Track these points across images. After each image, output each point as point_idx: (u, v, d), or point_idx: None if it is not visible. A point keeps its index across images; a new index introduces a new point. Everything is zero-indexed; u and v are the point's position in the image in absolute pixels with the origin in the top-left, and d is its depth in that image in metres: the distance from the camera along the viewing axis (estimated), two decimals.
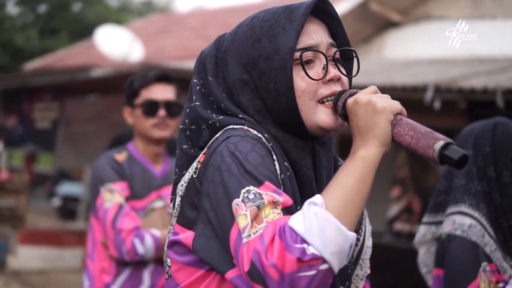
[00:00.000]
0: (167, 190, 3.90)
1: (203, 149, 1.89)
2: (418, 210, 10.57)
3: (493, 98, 7.02)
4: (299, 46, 1.83)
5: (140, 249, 3.56)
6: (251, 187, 1.66)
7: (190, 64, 11.92)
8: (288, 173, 1.82)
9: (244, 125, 1.83)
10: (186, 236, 1.83)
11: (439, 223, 3.00)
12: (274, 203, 1.64)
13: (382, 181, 10.90)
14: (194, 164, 1.86)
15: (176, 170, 1.97)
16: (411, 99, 7.94)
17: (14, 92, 14.16)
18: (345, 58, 1.97)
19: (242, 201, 1.64)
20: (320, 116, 1.84)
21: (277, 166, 1.78)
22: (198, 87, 1.95)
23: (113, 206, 3.64)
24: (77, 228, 14.00)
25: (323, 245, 1.56)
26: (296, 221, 1.58)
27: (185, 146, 1.95)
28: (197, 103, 1.93)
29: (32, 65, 18.77)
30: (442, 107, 7.46)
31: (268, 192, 1.65)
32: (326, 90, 1.84)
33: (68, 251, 12.21)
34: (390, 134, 1.71)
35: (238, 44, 1.91)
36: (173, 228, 1.91)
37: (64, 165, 18.08)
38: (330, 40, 1.90)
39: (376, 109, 1.70)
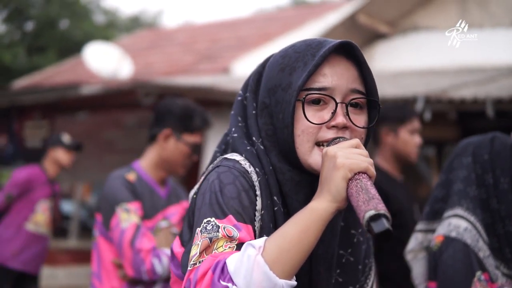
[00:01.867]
0: (171, 210, 3.98)
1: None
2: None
3: (483, 108, 7.05)
4: (315, 85, 1.83)
5: (158, 268, 3.61)
6: (212, 219, 1.73)
7: (179, 79, 11.93)
8: (276, 208, 1.85)
9: (242, 154, 1.90)
10: (180, 251, 1.93)
11: (435, 231, 3.01)
12: (230, 237, 1.69)
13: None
14: (197, 185, 1.94)
15: None
16: None
17: (3, 111, 14.11)
18: (373, 107, 1.93)
19: (201, 230, 1.72)
20: (314, 158, 1.84)
21: (258, 201, 1.82)
22: (239, 98, 2.02)
23: (131, 226, 3.67)
24: (69, 246, 13.94)
25: (247, 287, 1.60)
26: (231, 259, 1.63)
27: (216, 149, 2.06)
28: (232, 112, 2.01)
29: (20, 83, 18.74)
30: (432, 118, 7.49)
31: (227, 226, 1.71)
32: (328, 134, 1.84)
33: (61, 270, 12.16)
34: (344, 192, 1.70)
35: (270, 67, 1.95)
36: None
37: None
38: (352, 86, 1.86)
39: (335, 164, 1.70)
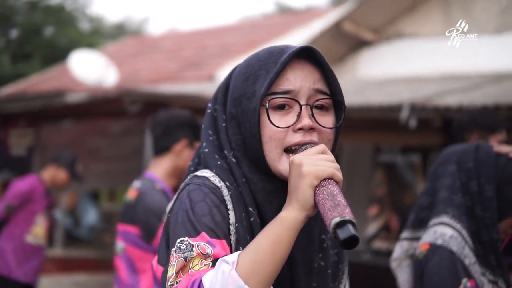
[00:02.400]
0: None
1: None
2: (396, 228, 10.62)
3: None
4: (277, 90, 1.84)
5: None
6: (186, 238, 1.74)
7: (164, 87, 11.92)
8: (252, 219, 1.87)
9: (213, 170, 1.91)
10: (158, 270, 1.95)
11: (421, 238, 3.03)
12: (204, 255, 1.71)
13: (359, 200, 10.94)
14: (171, 203, 1.97)
15: None
16: (386, 118, 8.00)
17: None
18: (338, 108, 1.95)
19: (175, 251, 1.74)
20: (283, 165, 1.85)
21: (231, 215, 1.83)
22: (209, 111, 2.01)
23: None
24: (54, 255, 13.89)
25: None
26: (206, 277, 1.64)
27: (190, 163, 2.07)
28: (203, 126, 2.02)
29: (5, 91, 18.67)
30: (418, 126, 7.51)
31: (201, 244, 1.72)
32: (295, 138, 1.85)
33: (45, 278, 12.11)
34: (312, 199, 1.71)
35: (235, 78, 1.96)
36: None
37: None
38: (315, 86, 1.88)
39: (301, 172, 1.71)
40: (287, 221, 1.71)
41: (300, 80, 1.87)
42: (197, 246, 1.71)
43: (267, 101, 1.84)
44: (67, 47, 23.99)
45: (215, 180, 1.87)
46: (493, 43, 10.26)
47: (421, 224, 3.07)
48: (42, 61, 27.03)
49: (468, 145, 3.10)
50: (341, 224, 1.64)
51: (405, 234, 3.16)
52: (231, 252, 1.78)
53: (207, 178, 1.87)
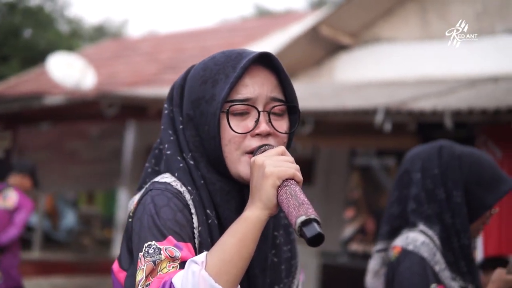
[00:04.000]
0: None
1: (159, 172, 2.04)
2: (372, 230, 10.66)
3: (442, 119, 7.15)
4: (236, 97, 1.90)
5: None
6: (153, 242, 1.77)
7: (142, 90, 11.93)
8: (210, 221, 1.91)
9: (175, 173, 1.94)
10: (121, 275, 1.98)
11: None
12: (172, 258, 1.74)
13: (336, 203, 11.00)
14: (131, 208, 1.99)
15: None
16: (362, 122, 8.06)
17: None
18: (292, 113, 2.02)
19: (143, 255, 1.76)
20: (242, 166, 1.91)
21: (194, 219, 1.88)
22: (166, 111, 2.05)
23: None
24: (32, 258, 13.86)
25: None
26: (177, 278, 1.68)
27: (147, 164, 2.09)
28: (162, 127, 2.04)
29: None
30: (392, 129, 7.57)
31: (168, 247, 1.75)
32: (253, 142, 1.91)
33: (25, 282, 12.07)
34: (275, 199, 1.76)
35: (192, 80, 2.00)
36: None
37: None
38: (272, 94, 1.95)
39: (264, 173, 1.77)
40: (250, 220, 1.76)
41: (258, 88, 1.93)
42: (165, 250, 1.75)
43: (228, 108, 1.90)
44: (46, 49, 23.91)
45: (177, 185, 1.91)
46: (468, 48, 10.35)
47: (395, 233, 3.06)
48: (20, 63, 26.88)
49: (431, 147, 3.06)
50: (307, 222, 1.68)
51: (379, 246, 3.15)
52: (196, 255, 1.81)
53: (168, 183, 1.91)
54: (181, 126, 2.00)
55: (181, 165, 1.95)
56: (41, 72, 16.99)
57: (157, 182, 1.93)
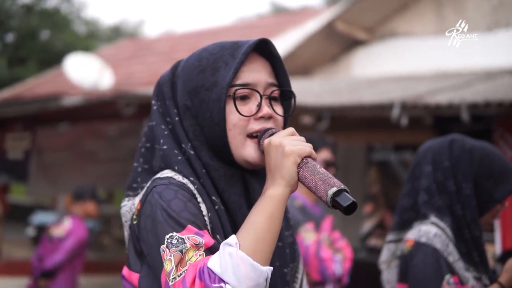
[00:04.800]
0: (324, 224, 5.08)
1: (151, 169, 2.06)
2: (390, 225, 10.65)
3: (458, 112, 7.13)
4: (237, 82, 1.97)
5: (338, 271, 4.81)
6: (174, 233, 1.79)
7: None
8: (216, 207, 1.95)
9: (175, 167, 1.97)
10: (133, 277, 1.99)
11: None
12: (197, 245, 1.77)
13: (354, 198, 10.98)
14: (134, 210, 2.01)
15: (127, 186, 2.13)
16: (378, 116, 8.05)
17: None
18: (285, 98, 2.10)
19: (167, 246, 1.78)
20: (247, 150, 1.98)
21: (203, 207, 1.91)
22: (155, 107, 2.10)
23: (313, 242, 4.76)
24: None
25: (238, 282, 1.69)
26: (213, 262, 1.71)
27: (136, 164, 2.12)
28: (153, 123, 2.09)
29: (1, 95, 18.69)
30: (409, 124, 7.56)
31: (190, 236, 1.79)
32: (256, 125, 1.98)
33: None
34: (296, 176, 1.83)
35: (186, 71, 2.06)
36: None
37: (38, 195, 17.94)
38: (269, 80, 2.03)
39: (284, 151, 1.83)
40: (276, 198, 1.81)
41: (257, 73, 2.01)
42: (188, 238, 1.78)
43: (233, 92, 1.96)
44: (63, 51, 24.04)
45: (179, 178, 1.95)
46: (485, 41, 10.32)
47: (405, 225, 3.09)
48: (38, 65, 27.06)
49: (443, 141, 3.10)
50: (338, 193, 1.76)
51: (390, 236, 3.19)
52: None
53: (170, 177, 1.94)
54: (177, 118, 2.04)
55: (179, 158, 1.99)
56: (58, 73, 17.07)
57: (159, 178, 1.95)
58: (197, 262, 1.74)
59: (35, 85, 17.47)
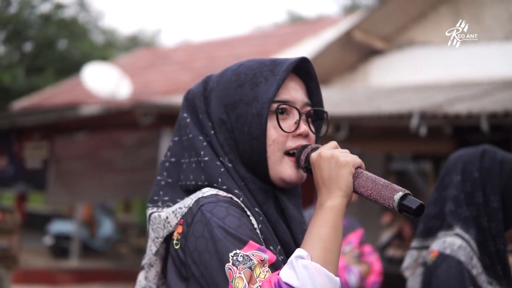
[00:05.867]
0: (350, 237, 5.10)
1: (176, 184, 2.03)
2: (409, 235, 10.60)
3: (478, 122, 7.11)
4: (277, 98, 1.96)
5: (352, 280, 4.86)
6: (237, 250, 1.76)
7: (177, 99, 11.98)
8: (261, 218, 1.93)
9: (218, 179, 1.94)
10: None
11: (429, 247, 3.05)
12: (262, 262, 1.75)
13: (372, 209, 10.95)
14: (175, 235, 1.93)
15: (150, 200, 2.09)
16: (397, 126, 8.03)
17: (3, 132, 14.14)
18: (317, 118, 2.11)
19: (233, 264, 1.74)
20: (285, 168, 1.97)
21: (253, 220, 1.89)
22: (189, 120, 2.06)
23: None
24: (70, 266, 13.97)
25: None
26: (288, 276, 1.69)
27: (159, 177, 2.08)
28: (189, 136, 2.04)
29: (19, 104, 18.79)
30: (428, 133, 7.54)
31: (254, 252, 1.76)
32: (293, 143, 1.97)
33: None
34: (352, 186, 1.83)
35: (222, 86, 2.03)
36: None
37: (55, 204, 18.00)
38: (305, 100, 2.04)
39: (339, 162, 1.82)
40: (336, 209, 1.81)
41: (294, 92, 2.01)
42: (253, 255, 1.75)
43: (276, 108, 1.96)
44: (80, 60, 24.16)
45: (223, 193, 1.91)
46: (503, 50, 10.29)
47: (430, 233, 3.07)
48: (55, 74, 27.18)
49: (474, 151, 3.06)
50: (404, 197, 1.76)
51: (414, 243, 3.17)
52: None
53: (215, 194, 1.90)
54: (212, 131, 2.02)
55: (222, 169, 1.96)
56: (76, 83, 17.17)
57: (203, 197, 1.90)
58: (268, 278, 1.72)
59: (53, 95, 17.57)
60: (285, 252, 1.93)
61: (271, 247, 1.87)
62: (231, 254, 1.75)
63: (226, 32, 65.02)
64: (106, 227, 17.47)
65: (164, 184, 2.06)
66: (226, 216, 1.82)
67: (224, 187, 1.93)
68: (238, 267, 1.73)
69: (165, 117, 10.82)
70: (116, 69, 14.46)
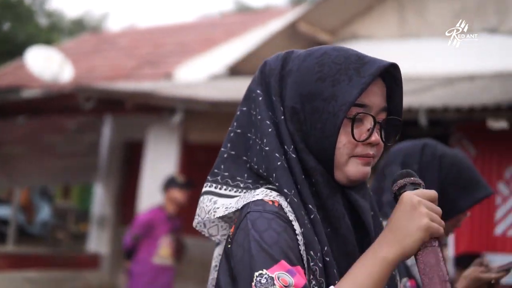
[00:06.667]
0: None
1: (239, 157, 1.97)
2: None
3: (416, 117, 7.19)
4: (356, 102, 1.84)
5: None
6: (264, 271, 1.70)
7: (120, 84, 11.90)
8: (312, 216, 1.85)
9: (273, 173, 1.88)
10: None
11: None
12: (286, 287, 1.69)
13: None
14: (230, 232, 1.91)
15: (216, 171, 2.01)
16: None
17: None
18: (391, 123, 1.98)
19: (255, 285, 1.70)
20: (351, 167, 1.87)
21: (296, 226, 1.81)
22: (260, 98, 1.98)
23: None
24: (6, 251, 13.80)
25: None
26: None
27: (223, 149, 2.00)
28: (254, 112, 1.98)
29: None
30: None
31: (281, 274, 1.70)
32: (362, 150, 1.87)
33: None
34: (415, 251, 1.72)
35: (303, 73, 1.92)
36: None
37: None
38: (383, 105, 1.91)
39: (420, 222, 1.71)
40: (387, 261, 1.71)
41: (375, 96, 1.90)
42: (278, 278, 1.69)
43: (354, 115, 1.85)
44: (25, 43, 23.81)
45: (270, 197, 1.86)
46: (446, 46, 10.41)
47: None
48: None
49: (415, 144, 3.06)
50: None
51: None
52: (306, 276, 1.78)
53: (265, 202, 1.84)
54: (282, 117, 1.93)
55: (279, 163, 1.89)
56: (19, 66, 16.94)
57: (253, 202, 1.84)
58: None
59: None
60: (342, 250, 1.87)
61: (311, 253, 1.79)
62: (257, 273, 1.71)
63: (172, 19, 64.71)
64: (44, 212, 17.31)
65: (227, 157, 2.00)
66: (266, 229, 1.77)
67: (277, 183, 1.87)
68: None
69: (108, 102, 10.75)
70: (59, 53, 14.30)
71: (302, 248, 1.80)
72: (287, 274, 1.69)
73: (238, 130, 1.99)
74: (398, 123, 1.97)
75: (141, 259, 8.36)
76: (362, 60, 1.88)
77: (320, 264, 1.78)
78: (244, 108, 2.01)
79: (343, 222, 1.88)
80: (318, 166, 1.88)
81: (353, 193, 1.93)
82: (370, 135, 1.86)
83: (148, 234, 8.34)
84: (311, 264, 1.77)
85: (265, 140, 1.91)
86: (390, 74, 1.94)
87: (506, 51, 9.92)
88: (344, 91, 1.83)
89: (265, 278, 1.69)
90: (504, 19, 10.18)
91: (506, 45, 9.98)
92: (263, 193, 1.86)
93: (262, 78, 2.00)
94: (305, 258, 1.79)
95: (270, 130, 1.91)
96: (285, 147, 1.89)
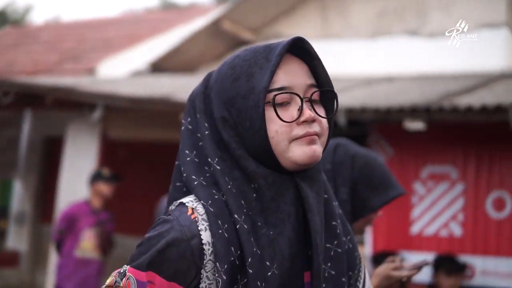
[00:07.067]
0: None
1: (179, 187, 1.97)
2: None
3: (335, 116, 7.28)
4: (275, 86, 1.84)
5: None
6: (128, 266, 1.76)
7: (40, 79, 11.74)
8: (238, 226, 1.82)
9: (193, 190, 1.87)
10: None
11: None
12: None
13: None
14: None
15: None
16: None
17: None
18: (327, 98, 1.96)
19: (118, 271, 1.76)
20: (293, 152, 1.84)
21: (205, 235, 1.80)
22: (183, 127, 1.98)
23: None
24: None
25: None
26: None
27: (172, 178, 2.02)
28: (180, 145, 1.97)
29: None
30: None
31: (132, 278, 1.72)
32: (300, 130, 1.83)
33: None
34: None
35: (219, 82, 1.93)
36: None
37: None
38: (309, 81, 1.89)
39: None
40: None
41: (293, 75, 1.87)
42: (128, 278, 1.72)
43: (272, 98, 1.83)
44: None
45: (190, 207, 1.85)
46: (367, 47, 10.57)
47: None
48: None
49: (329, 143, 3.11)
50: None
51: None
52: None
53: (184, 210, 1.84)
54: (207, 132, 1.92)
55: (195, 183, 1.88)
56: None
57: (178, 206, 1.87)
58: None
59: None
60: (287, 252, 1.83)
61: (217, 264, 1.76)
62: (126, 264, 1.75)
63: (96, 12, 63.97)
64: None
65: (173, 187, 2.02)
66: (169, 244, 1.77)
67: (196, 198, 1.87)
68: (115, 273, 1.75)
69: (27, 97, 10.59)
70: None
71: (209, 258, 1.78)
72: (136, 283, 1.71)
73: (185, 174, 1.98)
74: (332, 95, 1.95)
75: (65, 252, 8.43)
76: (269, 47, 1.88)
77: (224, 277, 1.74)
78: (183, 127, 2.01)
79: (287, 224, 1.85)
80: (258, 169, 1.86)
81: (306, 187, 1.89)
82: (301, 113, 1.83)
83: (72, 228, 8.40)
84: (216, 275, 1.75)
85: (182, 168, 1.92)
86: (306, 51, 1.92)
87: (426, 54, 10.12)
88: (258, 81, 1.82)
89: (124, 269, 1.74)
90: (424, 22, 10.37)
91: (425, 47, 10.19)
92: (190, 198, 1.87)
93: (189, 105, 2.01)
94: (212, 267, 1.78)
95: (188, 159, 1.92)
96: (209, 160, 1.89)
